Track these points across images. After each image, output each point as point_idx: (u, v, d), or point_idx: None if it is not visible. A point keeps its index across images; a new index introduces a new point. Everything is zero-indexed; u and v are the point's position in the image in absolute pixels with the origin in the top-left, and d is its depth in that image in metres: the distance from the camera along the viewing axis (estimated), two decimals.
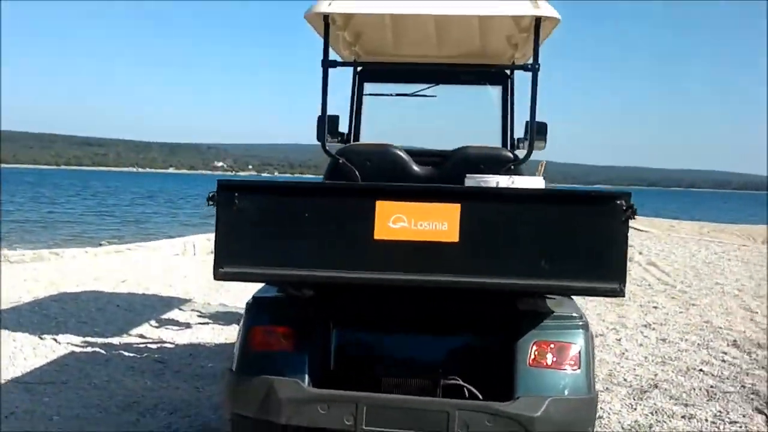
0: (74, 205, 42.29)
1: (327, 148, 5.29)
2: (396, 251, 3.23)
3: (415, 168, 5.30)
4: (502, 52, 5.80)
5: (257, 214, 3.31)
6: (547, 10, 4.43)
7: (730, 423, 5.14)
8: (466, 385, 3.58)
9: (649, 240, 20.28)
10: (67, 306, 8.24)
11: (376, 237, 3.20)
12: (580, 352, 3.56)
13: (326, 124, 5.25)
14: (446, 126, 7.03)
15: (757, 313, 9.41)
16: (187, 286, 10.05)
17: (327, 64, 4.86)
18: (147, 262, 12.13)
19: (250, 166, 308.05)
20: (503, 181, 4.15)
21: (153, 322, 7.71)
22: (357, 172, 5.18)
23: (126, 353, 6.45)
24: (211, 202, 3.28)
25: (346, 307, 3.88)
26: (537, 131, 4.88)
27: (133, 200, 55.03)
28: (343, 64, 5.76)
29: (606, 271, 3.22)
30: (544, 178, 4.80)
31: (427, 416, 3.40)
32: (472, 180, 4.26)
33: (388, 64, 6.15)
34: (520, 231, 3.25)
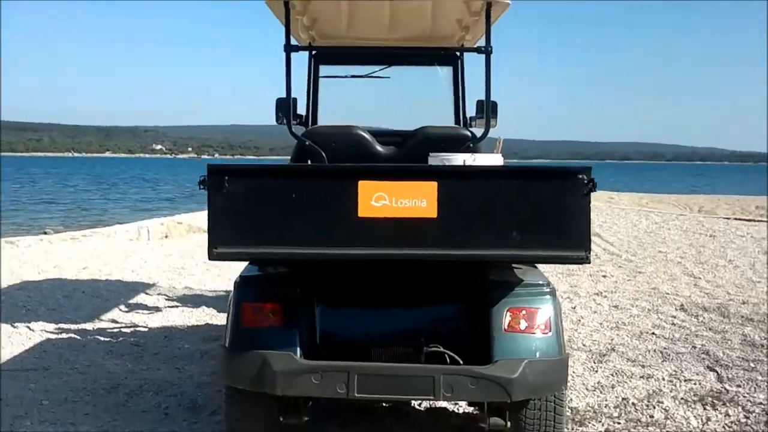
0: (16, 192, 41.39)
1: (293, 130, 5.47)
2: (379, 228, 3.47)
3: (379, 148, 5.53)
4: (452, 35, 6.05)
5: (247, 197, 3.51)
6: None
7: (685, 381, 5.52)
8: (447, 351, 3.84)
9: (592, 212, 20.82)
10: (32, 294, 8.28)
11: (359, 215, 3.44)
12: (550, 317, 3.86)
13: (291, 106, 5.41)
14: (401, 106, 7.28)
15: (700, 278, 9.91)
16: (149, 270, 10.14)
17: (290, 48, 5.02)
18: (103, 248, 12.12)
19: (190, 149, 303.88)
20: (466, 158, 4.40)
21: (122, 307, 7.82)
22: (323, 154, 5.39)
23: (101, 338, 6.57)
24: (202, 186, 3.47)
25: (330, 283, 4.10)
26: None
27: (76, 185, 54.16)
28: (304, 48, 5.96)
29: (572, 240, 3.52)
30: (501, 156, 5.08)
31: (414, 381, 3.67)
32: (435, 159, 4.49)
33: (345, 47, 6.33)
34: (493, 205, 3.53)
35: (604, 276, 10.09)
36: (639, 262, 11.39)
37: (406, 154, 5.45)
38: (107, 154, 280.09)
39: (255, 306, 3.90)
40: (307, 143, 5.38)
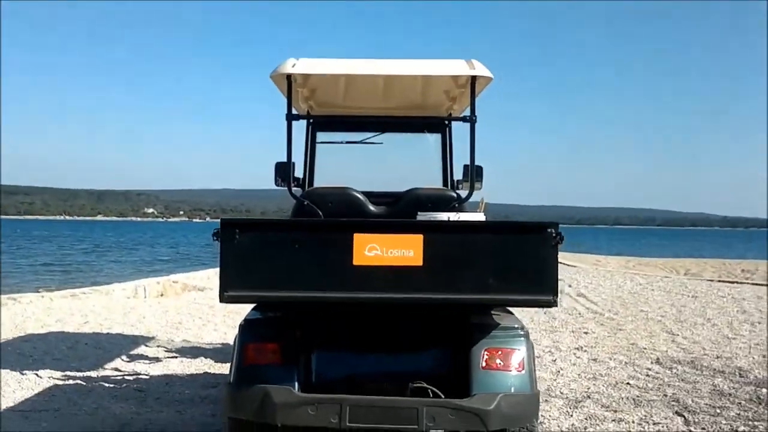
0: (12, 255, 41.68)
1: (293, 191, 5.96)
2: (372, 274, 3.96)
3: (371, 208, 6.00)
4: (440, 104, 6.59)
5: (255, 247, 4.00)
6: (480, 70, 5.23)
7: (654, 424, 5.92)
8: (429, 387, 4.27)
9: (578, 274, 21.38)
10: (37, 345, 8.65)
11: (354, 263, 3.94)
12: (523, 357, 4.32)
13: (291, 170, 5.91)
14: (393, 170, 7.80)
15: (678, 335, 10.34)
16: (148, 325, 10.53)
17: (290, 117, 5.54)
18: (102, 305, 12.52)
19: (182, 212, 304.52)
20: (450, 216, 4.90)
21: (124, 357, 8.20)
22: (320, 212, 5.86)
23: (106, 384, 6.94)
24: (215, 238, 3.96)
25: (325, 327, 4.56)
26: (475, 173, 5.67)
27: (71, 247, 54.43)
28: (303, 117, 6.49)
29: (542, 286, 4.02)
30: (484, 215, 5.58)
31: (400, 413, 4.09)
32: (424, 216, 4.99)
33: (341, 116, 6.86)
34: (472, 255, 4.04)
35: (586, 332, 10.51)
36: (620, 320, 11.83)
37: (397, 213, 5.92)
38: (99, 218, 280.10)
39: (257, 346, 4.35)
40: (305, 203, 5.85)
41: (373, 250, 3.95)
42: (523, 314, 11.26)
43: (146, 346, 8.99)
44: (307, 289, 4.02)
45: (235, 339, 4.49)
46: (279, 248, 4.03)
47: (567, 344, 9.50)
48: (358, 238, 3.97)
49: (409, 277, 3.98)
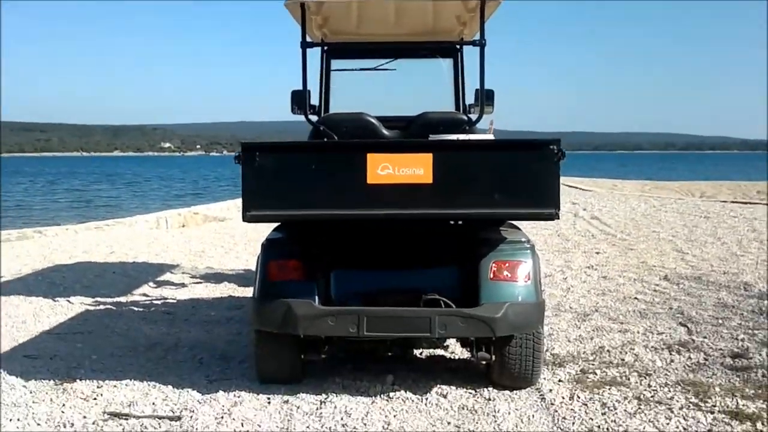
0: (33, 192, 42.32)
1: (309, 118, 6.17)
2: (385, 192, 4.23)
3: (385, 132, 6.21)
4: (451, 29, 6.72)
5: (274, 168, 4.25)
6: None
7: (658, 334, 6.20)
8: (442, 298, 4.56)
9: (594, 198, 21.58)
10: (67, 275, 9.02)
11: (368, 181, 4.20)
12: (529, 269, 4.59)
13: (307, 98, 6.12)
14: (406, 95, 7.97)
15: (687, 253, 10.58)
16: (172, 254, 10.88)
17: (305, 45, 5.74)
18: (126, 236, 12.90)
19: (198, 146, 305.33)
20: (460, 138, 5.12)
21: (151, 284, 8.56)
22: (335, 137, 6.08)
23: (135, 308, 7.30)
24: (237, 161, 4.21)
25: (342, 245, 4.84)
26: (486, 97, 5.85)
27: (89, 183, 55.13)
28: (317, 44, 6.65)
29: (545, 200, 4.27)
30: (492, 136, 5.77)
31: (414, 322, 4.40)
32: (435, 139, 5.23)
33: (354, 43, 7.02)
34: (478, 172, 4.28)
35: (597, 252, 10.78)
36: (632, 241, 12.07)
37: (410, 136, 6.13)
38: (116, 153, 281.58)
39: (280, 263, 4.65)
40: (321, 128, 6.06)
41: (386, 169, 4.19)
42: (537, 237, 11.54)
43: (171, 273, 9.34)
44: (324, 208, 4.30)
45: (258, 258, 4.79)
46: (297, 170, 4.28)
47: (579, 264, 9.77)
48: (371, 157, 4.21)
49: (419, 194, 4.24)
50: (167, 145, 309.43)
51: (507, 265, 4.58)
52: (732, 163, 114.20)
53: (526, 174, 4.29)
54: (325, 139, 6.06)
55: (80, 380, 4.98)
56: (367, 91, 7.55)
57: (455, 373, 5.14)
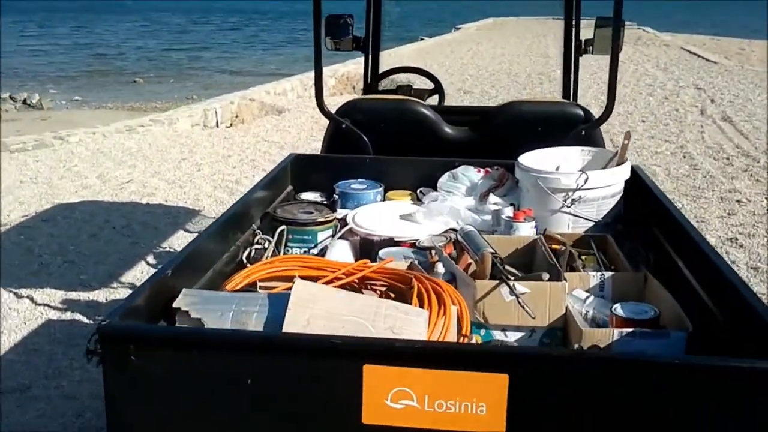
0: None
1: (326, 108, 3.95)
2: None
3: (447, 129, 3.95)
4: None
5: (162, 378, 1.99)
6: None
7: None
8: None
9: (721, 78, 18.27)
10: (56, 231, 7.19)
11: (364, 421, 1.91)
12: None
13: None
14: None
15: None
16: (199, 185, 8.87)
17: None
18: (159, 145, 10.92)
19: None
20: (573, 158, 2.83)
21: (150, 258, 6.63)
22: (366, 140, 3.86)
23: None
24: (90, 358, 1.98)
25: None
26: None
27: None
28: None
29: None
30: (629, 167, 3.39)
31: None
32: (526, 162, 2.98)
33: None
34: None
35: (739, 201, 8.23)
36: None
37: (487, 137, 3.90)
38: None
39: None
40: (343, 126, 3.89)
41: (404, 398, 1.89)
42: (657, 158, 9.07)
43: (185, 230, 7.37)
44: None
45: None
46: (203, 385, 2.00)
47: (714, 228, 7.31)
48: (371, 373, 1.85)
49: None
50: None
51: None
52: None
53: None
54: (351, 146, 3.86)
55: None
56: None
57: None
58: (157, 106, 17.93)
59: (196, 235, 6.83)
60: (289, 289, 2.12)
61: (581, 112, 3.85)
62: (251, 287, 2.39)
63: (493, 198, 3.17)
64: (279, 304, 2.02)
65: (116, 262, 6.50)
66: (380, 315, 1.99)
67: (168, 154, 10.31)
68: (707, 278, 2.44)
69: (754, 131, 11.94)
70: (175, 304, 2.08)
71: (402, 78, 6.01)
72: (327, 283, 2.31)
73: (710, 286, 2.40)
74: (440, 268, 2.48)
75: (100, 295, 5.83)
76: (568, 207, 2.97)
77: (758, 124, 12.59)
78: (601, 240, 2.89)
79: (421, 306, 2.12)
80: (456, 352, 1.95)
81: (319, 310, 1.98)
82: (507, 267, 2.38)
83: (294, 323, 1.93)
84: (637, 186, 3.24)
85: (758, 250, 6.75)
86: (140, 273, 6.26)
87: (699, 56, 22.63)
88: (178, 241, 7.00)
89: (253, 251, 2.89)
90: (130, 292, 2.16)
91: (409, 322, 1.98)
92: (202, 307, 2.04)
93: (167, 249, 6.82)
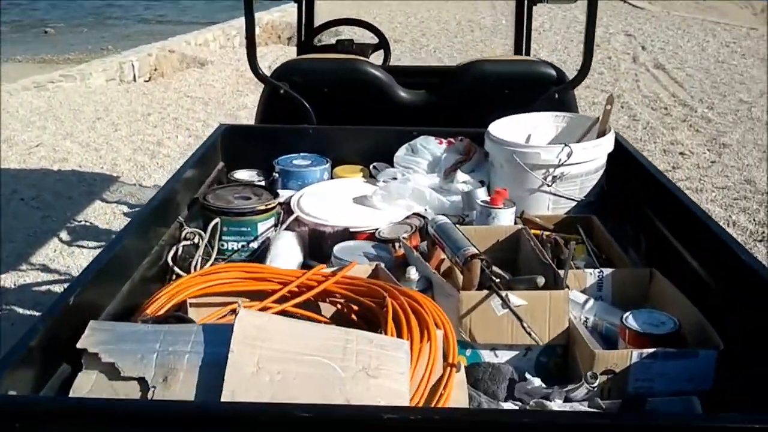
0: None
1: (260, 71, 3.42)
2: None
3: (402, 93, 3.48)
4: None
5: None
6: None
7: None
8: None
9: (649, 24, 18.14)
10: None
11: None
12: None
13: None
14: None
15: None
16: (117, 148, 8.19)
17: None
18: (72, 103, 10.10)
19: None
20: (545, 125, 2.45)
21: (63, 235, 6.01)
22: (309, 108, 3.37)
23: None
24: None
25: None
26: None
27: None
28: None
29: None
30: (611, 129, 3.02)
31: None
32: (498, 133, 2.58)
33: None
34: None
35: (682, 153, 8.03)
36: (719, 123, 9.23)
37: (447, 101, 3.45)
38: None
39: None
40: (282, 91, 3.38)
41: None
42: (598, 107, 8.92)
43: (103, 200, 6.75)
44: None
45: None
46: None
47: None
48: None
49: None
50: None
51: None
52: None
53: None
54: (289, 116, 3.37)
55: None
56: None
57: None
58: (70, 57, 16.79)
59: (113, 205, 6.30)
60: (230, 313, 1.66)
61: (553, 72, 3.42)
62: (180, 307, 1.92)
63: (461, 176, 2.73)
64: (217, 341, 1.56)
65: (26, 239, 5.89)
66: (350, 351, 1.55)
67: (81, 114, 9.54)
68: (721, 269, 2.07)
69: (688, 79, 11.80)
70: (79, 345, 1.59)
71: (342, 32, 5.48)
72: (277, 301, 1.86)
73: (726, 280, 2.03)
74: (412, 273, 2.04)
75: (7, 280, 5.23)
76: (549, 186, 2.56)
77: (691, 71, 12.46)
78: (587, 222, 2.51)
79: (398, 332, 1.68)
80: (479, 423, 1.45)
81: (270, 350, 1.52)
82: (495, 269, 1.97)
83: (239, 369, 1.47)
84: (622, 158, 2.85)
85: (707, 206, 6.53)
86: (53, 252, 5.66)
87: (625, 1, 22.46)
88: (95, 212, 6.39)
89: (181, 249, 2.40)
90: (27, 329, 1.60)
91: (387, 359, 1.55)
92: (116, 348, 1.57)
93: (82, 222, 6.22)
